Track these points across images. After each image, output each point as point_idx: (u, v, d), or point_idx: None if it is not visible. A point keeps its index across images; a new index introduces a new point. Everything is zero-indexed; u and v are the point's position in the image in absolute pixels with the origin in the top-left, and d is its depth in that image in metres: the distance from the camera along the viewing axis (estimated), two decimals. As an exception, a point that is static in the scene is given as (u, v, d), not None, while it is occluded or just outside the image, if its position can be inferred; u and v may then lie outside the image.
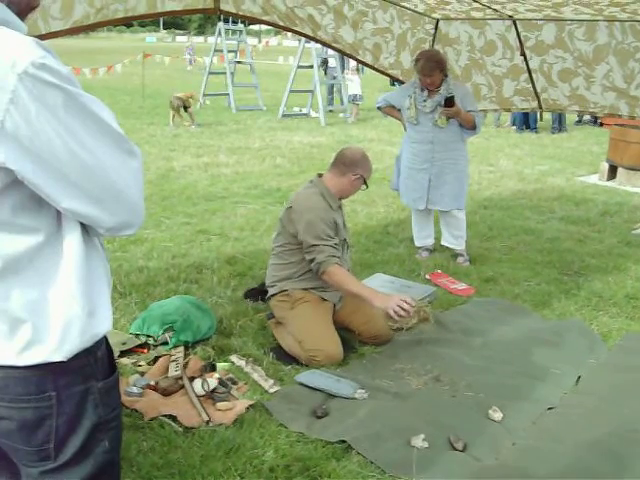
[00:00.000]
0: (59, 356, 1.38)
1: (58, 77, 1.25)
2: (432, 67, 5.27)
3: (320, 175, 4.24)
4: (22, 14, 1.41)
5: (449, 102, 5.26)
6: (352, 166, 4.14)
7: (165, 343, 4.00)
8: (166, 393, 3.47)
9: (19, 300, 1.34)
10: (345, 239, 4.24)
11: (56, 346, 1.37)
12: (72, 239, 1.38)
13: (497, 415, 3.36)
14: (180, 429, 3.16)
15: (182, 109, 14.09)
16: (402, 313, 3.66)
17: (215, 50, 18.72)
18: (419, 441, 3.09)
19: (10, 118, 1.21)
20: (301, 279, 4.09)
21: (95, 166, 1.29)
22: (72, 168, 1.27)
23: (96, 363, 1.48)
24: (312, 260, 3.93)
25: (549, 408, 3.51)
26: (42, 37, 4.08)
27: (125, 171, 1.34)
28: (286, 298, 4.09)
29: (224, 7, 4.89)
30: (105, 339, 1.53)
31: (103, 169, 1.30)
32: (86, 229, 1.40)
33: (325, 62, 17.25)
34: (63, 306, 1.37)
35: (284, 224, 4.11)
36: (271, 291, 4.19)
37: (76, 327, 1.39)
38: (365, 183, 4.19)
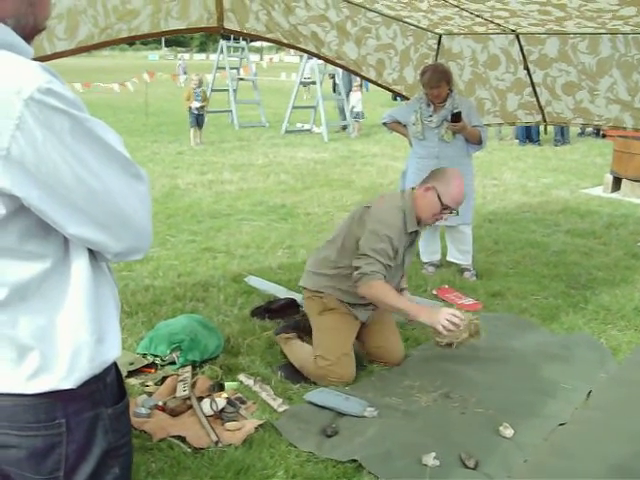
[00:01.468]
0: (68, 384, 1.36)
1: (64, 102, 1.23)
2: (439, 78, 5.30)
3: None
4: (28, 37, 1.40)
5: (456, 117, 5.27)
6: (428, 179, 3.93)
7: (172, 363, 3.98)
8: (174, 413, 3.45)
9: (27, 327, 1.33)
10: (404, 264, 4.04)
11: (65, 374, 1.35)
12: (80, 265, 1.36)
13: (508, 432, 3.33)
14: (189, 450, 3.14)
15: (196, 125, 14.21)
16: (452, 328, 3.46)
17: (217, 67, 18.79)
18: (430, 459, 3.06)
19: (16, 144, 1.20)
20: (340, 285, 3.93)
21: (102, 192, 1.28)
22: (79, 194, 1.26)
23: (105, 389, 1.46)
24: (357, 268, 3.73)
25: (560, 424, 3.48)
26: (47, 58, 4.10)
27: (132, 196, 1.33)
28: (318, 300, 4.00)
29: (228, 25, 4.90)
30: (114, 364, 1.51)
31: (110, 194, 1.29)
32: (94, 254, 1.39)
33: (333, 77, 17.32)
34: (71, 333, 1.35)
35: (354, 221, 3.93)
36: (306, 283, 4.10)
37: (85, 354, 1.37)
38: (440, 200, 3.80)
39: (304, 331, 4.28)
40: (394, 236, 3.76)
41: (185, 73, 30.88)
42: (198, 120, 14.18)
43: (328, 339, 3.89)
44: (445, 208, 3.83)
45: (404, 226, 3.84)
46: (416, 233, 4.02)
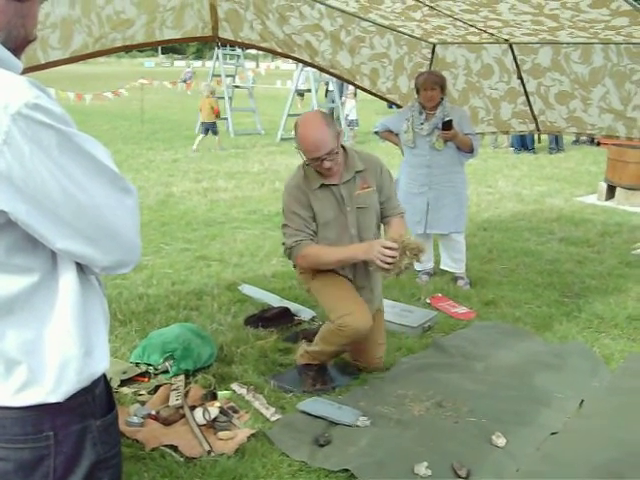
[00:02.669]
0: (56, 397, 1.36)
1: (52, 117, 1.24)
2: (434, 80, 5.37)
3: None
4: (19, 49, 1.41)
5: (447, 125, 5.28)
6: None
7: (166, 372, 3.98)
8: (167, 423, 3.45)
9: (14, 341, 1.33)
10: (347, 220, 3.82)
11: (52, 387, 1.35)
12: (68, 278, 1.36)
13: (500, 441, 3.33)
14: (181, 459, 3.13)
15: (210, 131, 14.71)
16: (389, 260, 3.36)
17: (213, 75, 18.81)
18: (422, 469, 3.06)
19: (3, 159, 1.20)
20: None
21: (90, 206, 1.28)
22: (67, 209, 1.26)
23: (94, 401, 1.47)
24: (283, 244, 3.78)
25: (553, 433, 3.48)
26: (41, 67, 4.11)
27: (121, 210, 1.33)
28: (304, 270, 3.96)
29: (222, 35, 4.92)
30: (103, 376, 1.52)
31: (98, 209, 1.30)
32: (82, 268, 1.39)
33: (327, 84, 17.42)
34: (59, 346, 1.36)
35: None
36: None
37: (73, 367, 1.37)
38: (306, 158, 3.68)
39: (306, 338, 4.30)
40: (292, 197, 3.75)
41: (185, 81, 30.78)
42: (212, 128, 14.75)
43: (331, 296, 3.81)
44: (312, 162, 3.66)
45: (305, 183, 3.76)
46: (339, 185, 3.78)
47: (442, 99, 5.45)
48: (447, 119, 5.31)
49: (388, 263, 3.39)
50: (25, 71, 1.39)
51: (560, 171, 12.43)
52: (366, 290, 3.98)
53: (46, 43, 4.06)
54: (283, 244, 3.79)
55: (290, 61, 7.22)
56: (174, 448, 3.21)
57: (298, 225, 3.72)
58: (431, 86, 5.36)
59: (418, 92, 5.49)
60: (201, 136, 14.63)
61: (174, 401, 3.60)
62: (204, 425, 3.41)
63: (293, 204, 3.74)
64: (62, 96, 16.02)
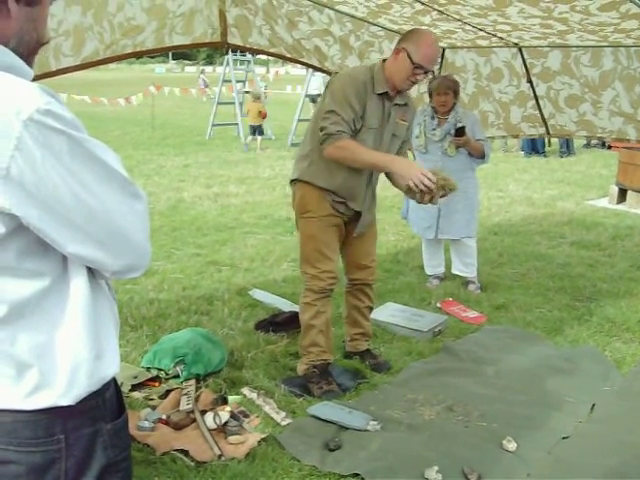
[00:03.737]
0: (67, 400, 1.37)
1: (63, 123, 1.25)
2: (448, 85, 5.38)
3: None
4: (32, 54, 1.42)
5: (460, 132, 5.28)
6: (400, 41, 3.73)
7: (176, 376, 3.99)
8: (178, 427, 3.46)
9: (25, 344, 1.34)
10: (382, 140, 3.85)
11: (64, 390, 1.36)
12: (78, 282, 1.37)
13: (511, 445, 3.33)
14: (192, 464, 3.14)
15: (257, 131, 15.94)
16: (423, 188, 3.45)
17: (224, 80, 18.87)
18: (433, 473, 3.06)
19: (15, 164, 1.21)
20: (317, 164, 3.83)
21: (101, 211, 1.29)
22: (78, 213, 1.27)
23: (104, 404, 1.47)
24: (323, 128, 3.62)
25: (564, 437, 3.48)
26: (52, 74, 4.13)
27: (131, 215, 1.34)
28: (297, 198, 3.99)
29: (231, 40, 4.93)
30: (113, 379, 1.52)
31: (109, 214, 1.31)
32: (92, 272, 1.40)
33: None
34: (70, 350, 1.37)
35: (325, 91, 3.84)
36: (292, 175, 4.03)
37: (84, 371, 1.38)
38: (410, 59, 3.59)
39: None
40: (355, 88, 3.64)
41: (206, 86, 30.92)
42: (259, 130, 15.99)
43: (310, 246, 3.90)
44: (417, 68, 3.64)
45: (371, 84, 3.71)
46: (386, 97, 3.79)
47: (455, 104, 5.46)
48: (460, 125, 5.32)
49: (421, 190, 3.49)
50: (36, 78, 1.40)
51: (571, 174, 12.40)
52: (364, 214, 4.02)
53: (59, 51, 4.09)
54: (322, 129, 3.63)
55: (299, 66, 7.23)
56: (185, 452, 3.22)
57: (348, 117, 3.62)
58: (444, 91, 5.37)
59: (431, 96, 5.50)
60: (250, 137, 15.88)
61: (185, 405, 3.61)
62: (215, 429, 3.41)
63: (352, 95, 3.63)
64: (75, 101, 16.12)
